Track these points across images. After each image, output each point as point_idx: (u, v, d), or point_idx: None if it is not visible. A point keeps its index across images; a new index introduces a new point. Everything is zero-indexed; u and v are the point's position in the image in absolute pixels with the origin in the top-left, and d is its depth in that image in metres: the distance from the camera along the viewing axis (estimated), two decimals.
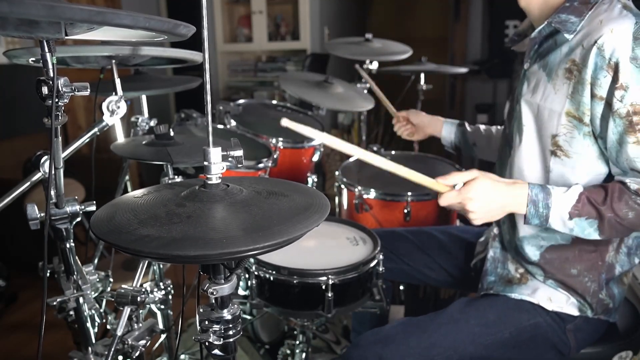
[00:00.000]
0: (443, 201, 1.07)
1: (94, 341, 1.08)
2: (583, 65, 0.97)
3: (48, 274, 1.15)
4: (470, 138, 1.56)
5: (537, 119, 1.08)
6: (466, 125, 1.58)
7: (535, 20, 1.12)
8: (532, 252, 1.15)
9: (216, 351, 0.76)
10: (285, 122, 0.97)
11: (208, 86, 0.67)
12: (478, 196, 1.03)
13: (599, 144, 1.02)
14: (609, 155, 1.01)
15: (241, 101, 2.03)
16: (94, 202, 1.00)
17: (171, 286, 1.41)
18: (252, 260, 1.25)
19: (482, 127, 1.56)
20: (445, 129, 1.60)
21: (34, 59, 1.05)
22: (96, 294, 1.16)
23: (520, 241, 1.16)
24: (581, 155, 1.04)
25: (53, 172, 0.89)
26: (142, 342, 1.07)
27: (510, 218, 1.20)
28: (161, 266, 1.40)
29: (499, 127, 1.54)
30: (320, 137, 0.99)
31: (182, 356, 1.71)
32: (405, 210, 1.66)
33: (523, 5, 1.11)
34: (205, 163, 0.70)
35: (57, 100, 0.81)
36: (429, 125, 1.64)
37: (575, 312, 1.13)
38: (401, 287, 1.88)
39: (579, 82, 0.99)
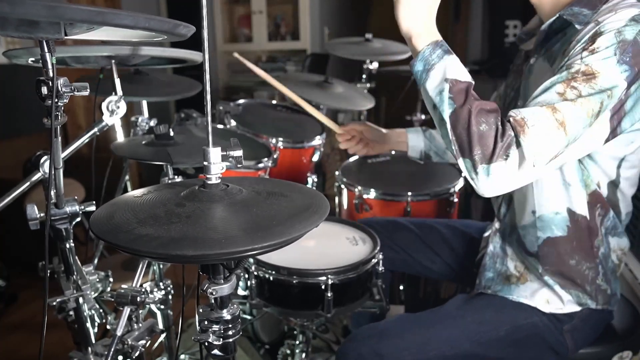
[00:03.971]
0: None
1: (94, 341, 1.08)
2: (576, 41, 0.95)
3: (48, 274, 1.15)
4: (441, 142, 1.49)
5: None
6: (432, 130, 1.51)
7: (545, 16, 1.11)
8: (531, 242, 1.15)
9: (216, 351, 0.76)
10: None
11: (208, 86, 0.67)
12: None
13: None
14: (522, 100, 0.96)
15: (241, 101, 2.03)
16: (94, 202, 1.00)
17: (171, 286, 1.41)
18: (251, 260, 1.25)
19: None
20: (412, 138, 1.50)
21: (33, 59, 1.05)
22: (96, 294, 1.16)
23: (521, 230, 1.16)
24: None
25: (53, 172, 0.89)
26: (142, 342, 1.07)
27: (511, 209, 1.20)
28: (161, 266, 1.40)
29: None
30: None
31: (182, 356, 1.71)
32: (405, 211, 1.67)
33: (534, 1, 1.10)
34: (205, 163, 0.70)
35: (56, 100, 0.81)
36: (388, 140, 1.54)
37: (575, 308, 1.12)
38: (401, 287, 1.88)
39: (565, 55, 0.96)
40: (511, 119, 0.88)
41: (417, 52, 0.96)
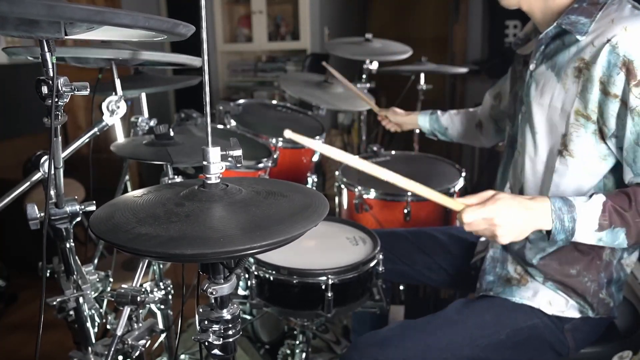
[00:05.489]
0: (468, 217, 0.96)
1: (94, 341, 1.08)
2: (592, 62, 0.97)
3: (48, 274, 1.15)
4: (443, 123, 1.70)
5: (548, 120, 1.08)
6: (438, 112, 1.72)
7: (538, 23, 1.12)
8: (532, 255, 1.15)
9: (216, 351, 0.76)
10: (288, 134, 0.92)
11: (207, 86, 0.67)
12: (505, 211, 0.95)
13: (607, 144, 1.01)
14: (625, 156, 0.98)
15: (241, 101, 2.03)
16: (94, 202, 1.00)
17: (171, 286, 1.41)
18: (252, 260, 1.25)
19: (454, 111, 1.69)
20: (421, 120, 1.75)
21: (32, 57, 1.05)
22: (96, 294, 1.16)
23: (528, 242, 1.16)
24: (585, 155, 1.03)
25: (53, 172, 0.89)
26: (142, 341, 1.08)
27: None
28: (161, 266, 1.40)
29: (470, 109, 1.66)
30: (320, 149, 0.94)
31: (182, 356, 1.71)
32: (405, 210, 1.66)
33: (525, 9, 1.11)
34: (205, 163, 0.70)
35: (56, 99, 0.81)
36: (405, 122, 1.82)
37: (576, 315, 1.13)
38: (401, 287, 1.88)
39: (587, 80, 0.99)
40: None
41: (548, 232, 0.98)
